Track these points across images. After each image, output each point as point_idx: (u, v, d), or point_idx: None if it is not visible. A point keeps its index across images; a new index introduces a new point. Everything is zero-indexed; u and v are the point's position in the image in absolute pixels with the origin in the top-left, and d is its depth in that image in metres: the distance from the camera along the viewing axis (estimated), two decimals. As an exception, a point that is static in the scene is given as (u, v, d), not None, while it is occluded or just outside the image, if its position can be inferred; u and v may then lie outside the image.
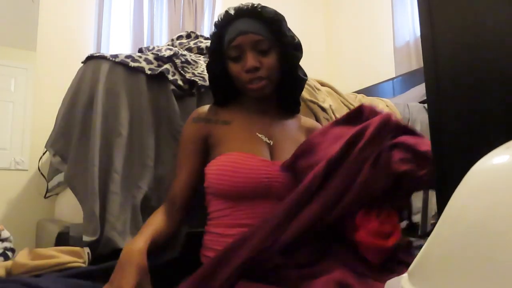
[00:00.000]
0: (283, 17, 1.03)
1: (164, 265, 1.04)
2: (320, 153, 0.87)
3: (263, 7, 1.00)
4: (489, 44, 0.67)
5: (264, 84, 0.99)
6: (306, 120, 1.18)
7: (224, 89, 1.08)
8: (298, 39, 1.05)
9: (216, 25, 1.04)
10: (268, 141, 1.02)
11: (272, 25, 1.00)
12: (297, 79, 1.07)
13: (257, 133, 1.02)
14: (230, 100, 1.10)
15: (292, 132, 1.09)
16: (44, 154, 1.64)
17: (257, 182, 0.93)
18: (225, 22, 1.01)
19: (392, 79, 2.98)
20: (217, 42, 1.04)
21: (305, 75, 1.10)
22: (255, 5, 0.99)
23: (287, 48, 1.02)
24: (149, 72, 1.21)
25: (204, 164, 1.02)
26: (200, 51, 1.67)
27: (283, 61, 1.02)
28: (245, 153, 0.96)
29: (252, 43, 0.97)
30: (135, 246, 0.84)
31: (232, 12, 1.00)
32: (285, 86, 1.07)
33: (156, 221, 0.95)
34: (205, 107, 1.09)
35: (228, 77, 1.05)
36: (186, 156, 1.04)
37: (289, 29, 1.04)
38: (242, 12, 0.99)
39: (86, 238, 1.01)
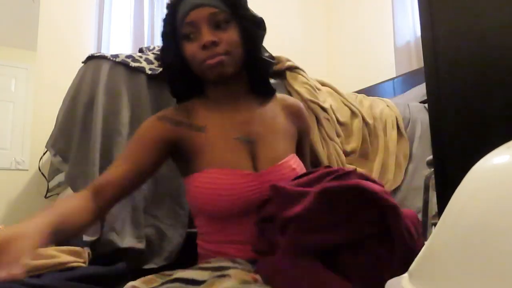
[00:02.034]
0: None
1: (162, 267, 1.04)
2: None
3: None
4: (489, 44, 0.67)
5: (223, 60, 0.86)
6: (284, 98, 1.06)
7: (182, 80, 0.96)
8: (260, 17, 0.95)
9: (167, 4, 0.93)
10: (249, 139, 0.92)
11: None
12: (261, 59, 0.96)
13: (235, 138, 0.92)
14: (192, 94, 0.98)
15: (272, 121, 0.98)
16: (44, 154, 1.64)
17: (243, 201, 0.85)
18: (178, 0, 0.90)
19: (393, 79, 2.98)
20: (170, 23, 0.92)
21: (273, 58, 1.00)
22: None
23: (247, 23, 0.91)
24: (149, 72, 1.21)
25: (155, 167, 0.91)
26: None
27: (244, 39, 0.91)
28: (226, 170, 0.87)
29: (207, 17, 0.87)
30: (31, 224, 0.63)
31: None
32: (251, 68, 0.96)
33: (70, 205, 0.77)
34: (172, 109, 0.97)
35: (185, 66, 0.92)
36: (139, 150, 0.89)
37: (249, 8, 0.95)
38: None
39: (86, 238, 1.02)
